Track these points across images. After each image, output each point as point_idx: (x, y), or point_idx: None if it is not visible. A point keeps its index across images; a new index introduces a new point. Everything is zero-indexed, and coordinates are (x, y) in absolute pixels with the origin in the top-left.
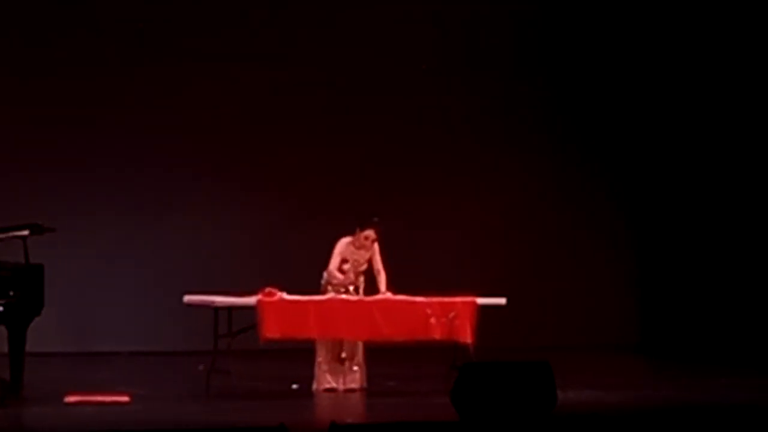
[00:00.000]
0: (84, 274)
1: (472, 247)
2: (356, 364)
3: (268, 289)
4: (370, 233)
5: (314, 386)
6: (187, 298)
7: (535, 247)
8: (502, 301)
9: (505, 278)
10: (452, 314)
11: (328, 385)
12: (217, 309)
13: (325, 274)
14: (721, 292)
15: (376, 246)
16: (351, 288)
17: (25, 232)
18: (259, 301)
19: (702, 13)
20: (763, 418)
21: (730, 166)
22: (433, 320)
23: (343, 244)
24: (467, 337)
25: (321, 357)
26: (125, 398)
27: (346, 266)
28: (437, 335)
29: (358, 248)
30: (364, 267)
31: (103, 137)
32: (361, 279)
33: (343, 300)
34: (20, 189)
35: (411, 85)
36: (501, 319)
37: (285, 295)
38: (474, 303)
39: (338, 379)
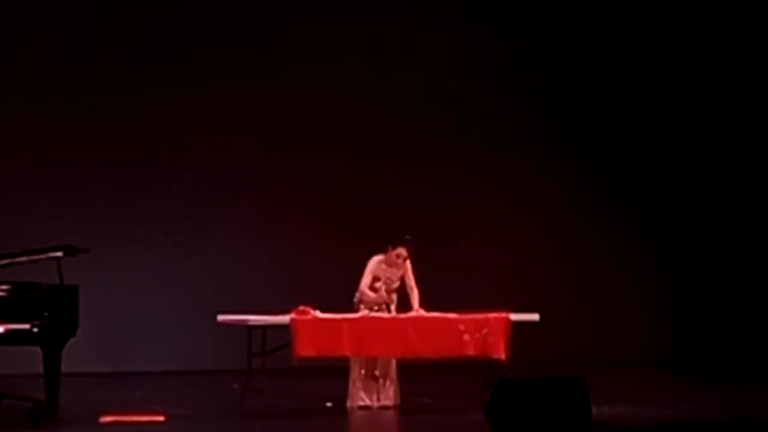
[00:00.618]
0: (117, 295)
1: (505, 263)
2: (390, 382)
3: (301, 308)
4: (402, 251)
5: (348, 404)
6: (221, 317)
7: (568, 263)
8: (536, 317)
9: (538, 294)
10: (485, 330)
11: (362, 403)
12: (250, 328)
13: (357, 293)
14: (754, 305)
15: (408, 264)
16: (384, 306)
17: (59, 254)
18: (292, 320)
19: (716, 18)
20: None
21: (764, 177)
22: (466, 337)
23: (374, 262)
24: (501, 353)
25: (355, 374)
26: (161, 418)
27: (378, 284)
28: (471, 352)
29: (390, 266)
30: (396, 285)
31: (134, 156)
32: (394, 297)
33: (376, 318)
34: (52, 209)
35: (439, 103)
36: (534, 335)
37: (318, 314)
38: (507, 319)
39: (372, 397)
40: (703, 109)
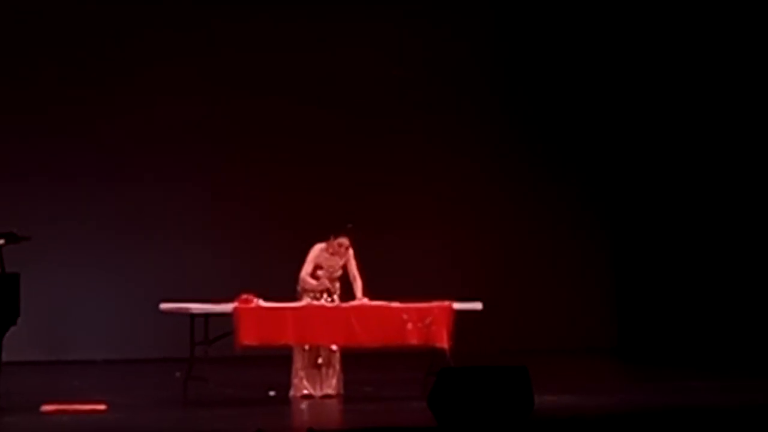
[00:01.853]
0: (59, 283)
1: (448, 252)
2: (333, 371)
3: (244, 296)
4: (343, 240)
5: (291, 393)
6: (163, 305)
7: (511, 252)
8: (479, 305)
9: (481, 283)
10: (429, 319)
11: (305, 392)
12: (193, 316)
13: (299, 281)
14: (697, 296)
15: (351, 252)
16: (325, 293)
17: (1, 241)
18: (235, 308)
19: (675, 14)
20: (738, 421)
21: (705, 169)
22: (409, 326)
23: (316, 250)
24: (444, 342)
25: (298, 364)
26: (102, 407)
27: (320, 272)
28: (414, 341)
29: (333, 254)
30: (338, 273)
31: (78, 146)
32: (337, 285)
33: (319, 306)
34: None
35: (384, 91)
36: (477, 324)
37: (261, 302)
38: (450, 308)
39: (315, 386)
40: (647, 99)
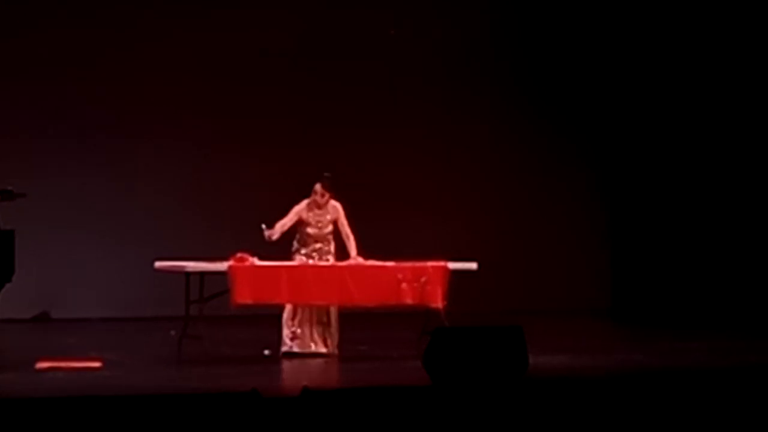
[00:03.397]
0: (54, 240)
1: (443, 211)
2: (329, 329)
3: (239, 255)
4: (317, 187)
5: (283, 350)
6: (158, 263)
7: (507, 212)
8: (474, 266)
9: (476, 243)
10: (423, 279)
11: (299, 350)
12: (188, 275)
13: (294, 242)
14: (691, 257)
15: (339, 208)
16: (314, 253)
17: None
18: (230, 267)
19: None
20: (734, 382)
21: (699, 135)
22: (404, 285)
23: (301, 205)
24: (438, 301)
25: (291, 321)
26: (97, 364)
27: (310, 230)
28: (408, 300)
29: (318, 208)
30: (329, 229)
31: (72, 101)
32: (332, 245)
33: (314, 265)
34: None
35: (381, 52)
36: (472, 284)
37: (256, 261)
38: (445, 268)
39: (310, 344)
40: (647, 67)
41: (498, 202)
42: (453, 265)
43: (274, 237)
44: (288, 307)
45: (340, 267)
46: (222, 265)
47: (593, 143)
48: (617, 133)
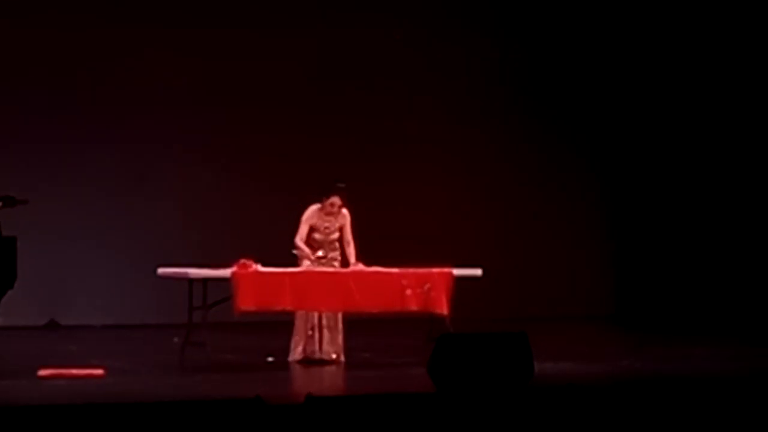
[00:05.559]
0: (57, 247)
1: (448, 218)
2: (333, 336)
3: (242, 261)
4: (335, 200)
5: (290, 358)
6: (161, 270)
7: (511, 219)
8: (478, 272)
9: (481, 249)
10: (428, 285)
11: (304, 357)
12: (191, 281)
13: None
14: (696, 263)
15: (347, 215)
16: (323, 259)
17: None
18: (233, 273)
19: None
20: (737, 389)
21: (703, 135)
22: (408, 291)
23: (310, 211)
24: (443, 308)
25: (298, 329)
26: (100, 372)
27: (317, 235)
28: (413, 306)
29: (328, 215)
30: (335, 235)
31: (76, 109)
32: (338, 251)
33: (318, 272)
34: None
35: (384, 59)
36: (477, 291)
37: (260, 267)
38: (450, 274)
39: (315, 352)
40: (650, 68)
41: (502, 208)
42: (457, 272)
43: (306, 251)
44: (299, 314)
45: (344, 273)
46: (225, 272)
47: (598, 151)
48: (621, 139)
